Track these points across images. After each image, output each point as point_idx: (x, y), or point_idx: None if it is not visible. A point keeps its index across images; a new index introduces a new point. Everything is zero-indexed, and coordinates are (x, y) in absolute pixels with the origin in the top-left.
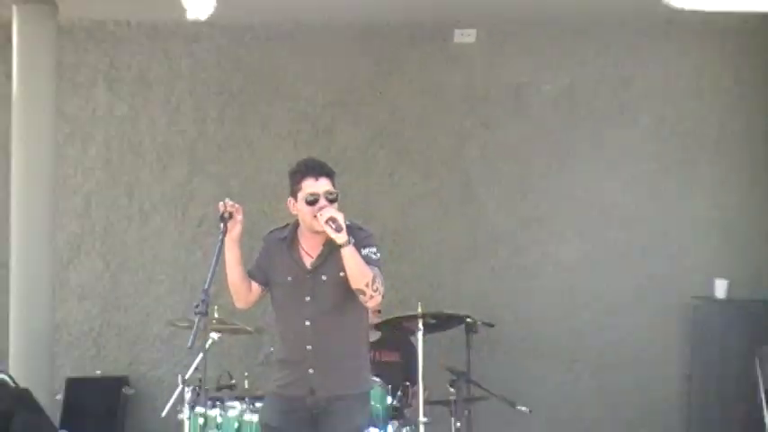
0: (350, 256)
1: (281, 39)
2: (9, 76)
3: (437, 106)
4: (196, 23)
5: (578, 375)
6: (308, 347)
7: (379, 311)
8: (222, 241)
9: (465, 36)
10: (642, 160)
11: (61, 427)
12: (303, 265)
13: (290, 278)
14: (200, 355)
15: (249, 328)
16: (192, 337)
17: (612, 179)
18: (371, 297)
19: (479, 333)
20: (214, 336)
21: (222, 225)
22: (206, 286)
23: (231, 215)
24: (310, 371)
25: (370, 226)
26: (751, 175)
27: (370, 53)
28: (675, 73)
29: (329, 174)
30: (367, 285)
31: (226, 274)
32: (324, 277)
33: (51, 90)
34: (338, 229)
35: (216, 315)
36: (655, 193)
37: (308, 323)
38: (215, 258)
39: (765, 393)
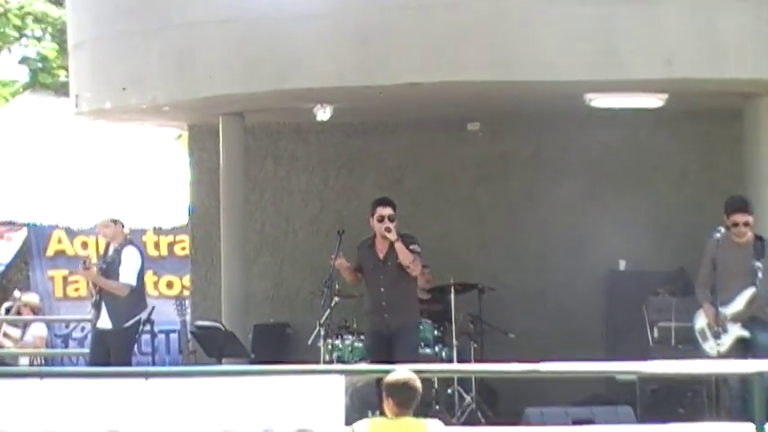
0: (399, 248)
1: (370, 131)
2: (218, 156)
3: (455, 164)
4: (321, 123)
5: (539, 320)
6: (383, 303)
7: (429, 283)
8: (336, 255)
9: (473, 126)
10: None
11: (252, 352)
12: (378, 257)
13: (371, 266)
14: (329, 309)
15: (356, 294)
16: (324, 298)
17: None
18: (413, 270)
19: (486, 293)
20: (336, 298)
21: (338, 244)
22: (331, 271)
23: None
24: (386, 315)
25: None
26: None
27: (422, 136)
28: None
29: (391, 204)
30: (410, 263)
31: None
32: (389, 263)
33: (241, 163)
34: (389, 233)
35: (337, 287)
36: None
37: (382, 290)
38: (333, 260)
39: (649, 323)
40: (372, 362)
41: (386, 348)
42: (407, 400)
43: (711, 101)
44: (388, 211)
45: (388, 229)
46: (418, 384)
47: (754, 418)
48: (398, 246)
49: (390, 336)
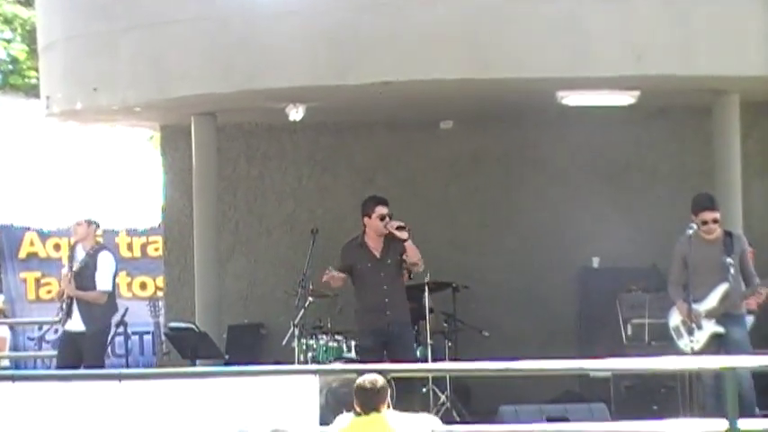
0: (410, 245)
1: (343, 131)
2: (191, 156)
3: (428, 163)
4: (294, 122)
5: (513, 318)
6: (386, 300)
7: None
8: (311, 252)
9: (445, 125)
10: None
11: (226, 353)
12: (375, 256)
13: (369, 264)
14: (303, 309)
15: (330, 294)
16: (298, 298)
17: None
18: (420, 266)
19: (460, 291)
20: (310, 298)
21: (312, 243)
22: (305, 271)
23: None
24: (388, 312)
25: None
26: None
27: (395, 135)
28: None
29: (387, 203)
30: (419, 260)
31: (314, 267)
32: (388, 261)
33: (214, 163)
34: (401, 231)
35: (311, 287)
36: None
37: (385, 287)
38: (307, 259)
39: (622, 320)
40: (369, 361)
41: (384, 346)
42: (369, 401)
43: (682, 98)
44: (386, 209)
45: (402, 228)
46: (378, 385)
47: (728, 413)
48: (409, 244)
49: (392, 334)
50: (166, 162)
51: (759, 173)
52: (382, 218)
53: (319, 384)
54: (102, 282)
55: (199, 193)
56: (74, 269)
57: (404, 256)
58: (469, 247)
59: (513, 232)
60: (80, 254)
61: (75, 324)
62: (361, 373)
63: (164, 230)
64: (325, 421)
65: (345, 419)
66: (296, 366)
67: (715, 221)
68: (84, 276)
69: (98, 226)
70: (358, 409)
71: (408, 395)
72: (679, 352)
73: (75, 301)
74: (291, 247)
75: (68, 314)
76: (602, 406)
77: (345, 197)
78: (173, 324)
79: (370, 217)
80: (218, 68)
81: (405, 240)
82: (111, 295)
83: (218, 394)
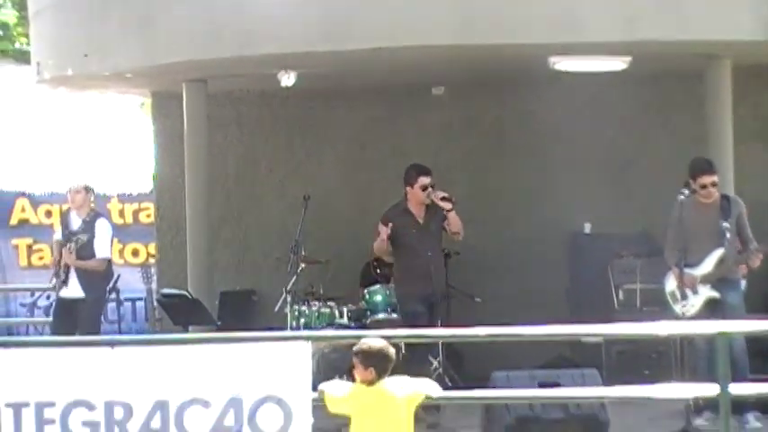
0: (453, 215)
1: (335, 97)
2: (182, 123)
3: (420, 129)
4: (285, 89)
5: (505, 284)
6: (432, 267)
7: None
8: (303, 219)
9: (437, 90)
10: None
11: (218, 319)
12: (419, 222)
13: (414, 230)
14: (295, 276)
15: (322, 260)
16: (290, 264)
17: None
18: (460, 235)
19: (452, 257)
20: (302, 264)
21: (303, 210)
22: (297, 237)
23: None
24: (432, 279)
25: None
26: None
27: (387, 101)
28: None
29: (430, 173)
30: (459, 229)
31: (305, 233)
32: (432, 228)
33: (205, 130)
34: (446, 201)
35: (303, 253)
36: None
37: (429, 253)
38: (299, 226)
39: (614, 285)
40: (419, 326)
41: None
42: (385, 366)
43: (674, 63)
44: (429, 179)
45: (446, 199)
46: (386, 351)
47: (719, 378)
48: (452, 215)
49: (434, 304)
50: (157, 129)
51: (751, 138)
52: (424, 188)
53: (311, 350)
54: (101, 249)
55: (190, 160)
56: (77, 243)
57: (444, 224)
58: (461, 213)
59: (504, 198)
60: (75, 221)
61: (73, 291)
62: (354, 339)
63: (155, 197)
64: (317, 387)
65: (347, 386)
66: (288, 332)
67: (714, 185)
68: (83, 245)
69: (94, 192)
70: (370, 374)
71: (413, 362)
72: (673, 316)
73: (72, 268)
74: (283, 213)
75: (65, 281)
76: (594, 371)
77: (337, 163)
78: (165, 291)
79: (412, 187)
80: (209, 34)
81: (449, 210)
82: (109, 262)
83: (211, 361)
